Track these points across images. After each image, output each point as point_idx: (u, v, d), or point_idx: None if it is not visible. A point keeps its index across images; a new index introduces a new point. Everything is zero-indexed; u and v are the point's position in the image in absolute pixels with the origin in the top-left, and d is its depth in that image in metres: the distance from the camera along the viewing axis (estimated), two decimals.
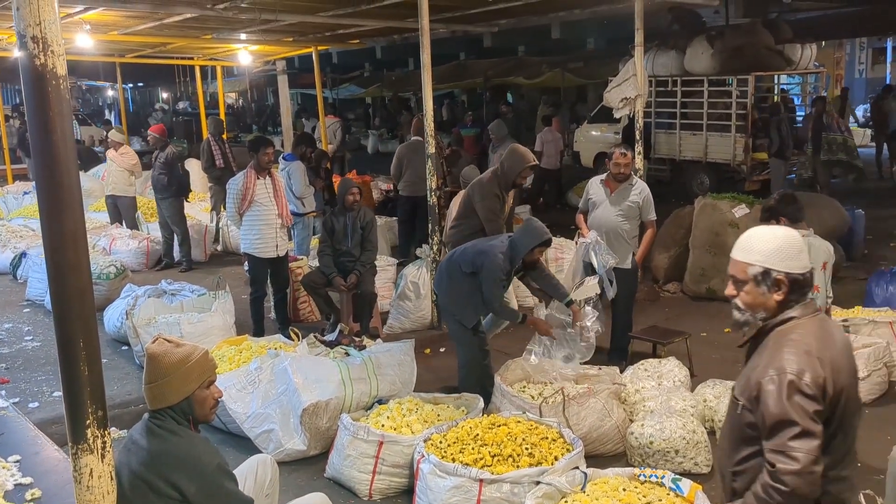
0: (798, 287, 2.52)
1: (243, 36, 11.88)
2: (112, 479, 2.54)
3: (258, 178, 7.19)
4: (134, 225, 11.42)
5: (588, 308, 5.93)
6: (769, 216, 5.04)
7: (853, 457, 2.53)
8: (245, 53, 13.97)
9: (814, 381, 2.37)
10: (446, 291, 5.78)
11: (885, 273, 7.28)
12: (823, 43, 21.11)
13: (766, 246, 2.53)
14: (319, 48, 14.24)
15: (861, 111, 20.42)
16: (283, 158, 9.35)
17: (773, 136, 12.49)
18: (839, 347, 2.53)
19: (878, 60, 26.17)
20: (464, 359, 5.77)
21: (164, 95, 45.69)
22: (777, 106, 13.45)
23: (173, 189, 10.29)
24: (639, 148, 8.59)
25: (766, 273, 2.51)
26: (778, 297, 2.52)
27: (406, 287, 7.60)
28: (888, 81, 22.30)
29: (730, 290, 2.62)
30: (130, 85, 41.45)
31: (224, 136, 12.45)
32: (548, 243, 5.57)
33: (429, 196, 7.55)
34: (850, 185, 12.88)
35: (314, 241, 8.88)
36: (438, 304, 7.04)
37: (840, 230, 9.07)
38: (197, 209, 12.44)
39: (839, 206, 9.26)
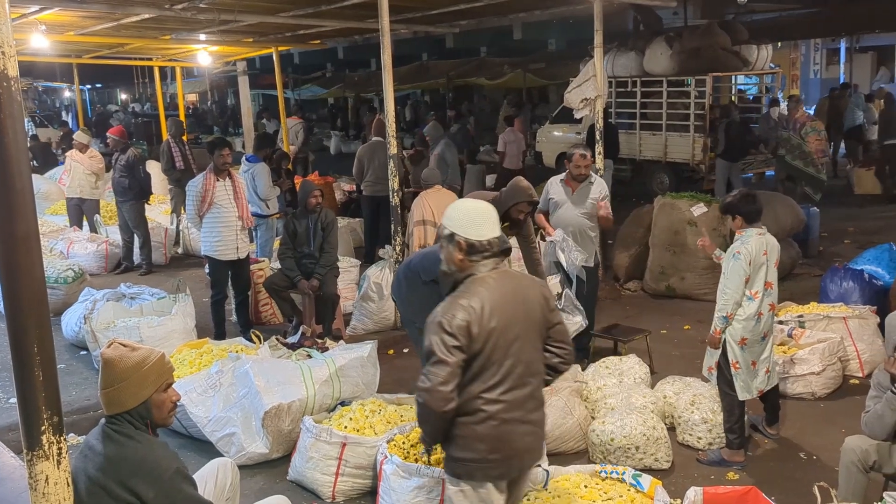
0: (474, 250, 3.12)
1: (202, 37, 11.76)
2: (68, 485, 2.51)
3: (218, 180, 7.14)
4: (93, 228, 11.27)
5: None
6: (725, 211, 5.16)
7: (512, 383, 3.12)
8: (204, 54, 13.82)
9: (457, 324, 3.00)
10: (405, 299, 5.61)
11: (839, 270, 7.42)
12: (779, 44, 21.45)
13: (454, 215, 3.20)
14: (280, 49, 14.13)
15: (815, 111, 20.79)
16: (246, 160, 9.26)
17: (719, 137, 12.66)
18: (510, 299, 3.13)
19: (831, 61, 26.70)
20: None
21: (123, 97, 45.07)
22: (728, 107, 13.62)
23: (134, 192, 10.17)
24: (599, 147, 8.68)
25: (452, 236, 3.14)
26: (460, 255, 3.13)
27: (369, 288, 7.59)
28: (841, 81, 22.74)
29: (439, 247, 3.25)
30: (88, 86, 40.80)
31: (184, 138, 12.32)
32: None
33: (391, 196, 7.55)
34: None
35: (277, 243, 8.83)
36: (398, 311, 7.00)
37: (795, 228, 9.25)
38: (157, 212, 12.30)
39: (794, 205, 9.42)
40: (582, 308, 6.09)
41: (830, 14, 17.43)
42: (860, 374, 6.29)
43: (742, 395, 4.98)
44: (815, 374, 5.94)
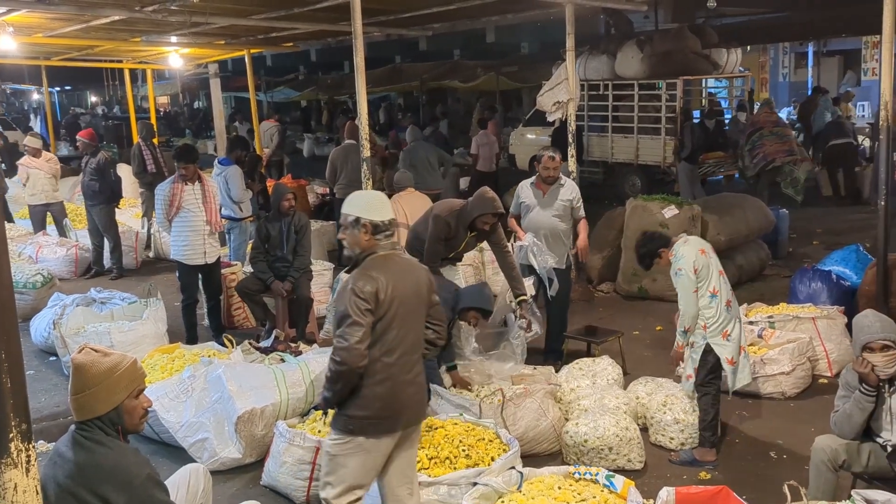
0: (378, 230, 3.56)
1: (174, 39, 11.66)
2: (38, 493, 2.47)
3: (187, 184, 7.08)
4: (63, 232, 11.12)
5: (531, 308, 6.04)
6: (649, 265, 5.29)
7: (405, 349, 3.58)
8: (176, 56, 13.72)
9: (368, 290, 3.43)
10: None
11: (808, 270, 7.51)
12: (748, 48, 21.67)
13: (357, 202, 3.63)
14: (252, 51, 14.07)
15: (785, 114, 21.04)
16: (219, 163, 9.19)
17: (686, 141, 12.75)
18: (406, 275, 3.61)
19: (800, 65, 27.02)
20: None
21: (93, 99, 44.60)
22: (689, 111, 13.71)
23: (105, 195, 10.05)
24: (571, 150, 8.72)
25: (357, 220, 3.54)
26: (366, 236, 3.55)
27: None
28: (810, 85, 23.02)
29: (340, 234, 3.68)
30: (57, 88, 40.30)
31: (155, 141, 12.21)
32: (486, 315, 5.66)
33: None
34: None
35: (250, 247, 8.78)
36: None
37: (765, 229, 9.36)
38: (128, 215, 12.18)
39: (764, 206, 9.54)
40: (541, 317, 6.14)
41: (798, 19, 17.64)
42: (829, 374, 6.37)
43: (741, 383, 5.16)
44: (785, 374, 6.01)
